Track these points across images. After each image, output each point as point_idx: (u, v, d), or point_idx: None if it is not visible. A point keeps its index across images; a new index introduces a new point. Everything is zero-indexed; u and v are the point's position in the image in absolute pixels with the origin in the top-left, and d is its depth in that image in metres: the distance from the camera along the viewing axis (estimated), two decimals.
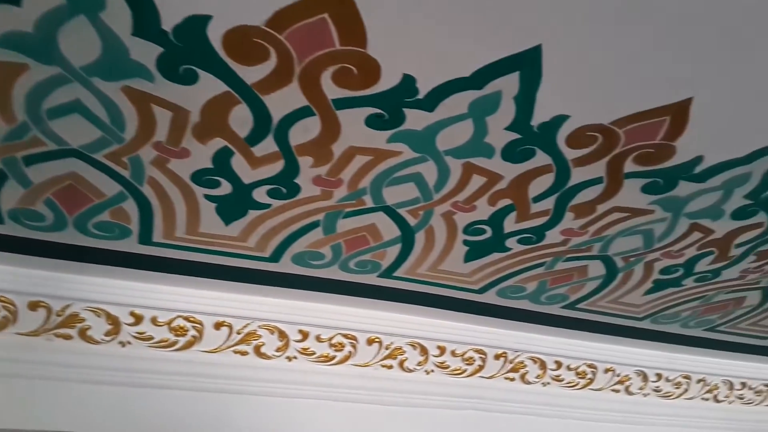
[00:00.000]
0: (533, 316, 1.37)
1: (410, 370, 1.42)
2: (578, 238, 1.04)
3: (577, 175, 0.87)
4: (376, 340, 1.36)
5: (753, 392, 1.83)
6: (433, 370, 1.45)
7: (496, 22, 0.63)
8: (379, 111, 0.75)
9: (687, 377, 1.72)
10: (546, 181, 0.89)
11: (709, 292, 1.27)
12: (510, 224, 1.00)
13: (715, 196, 0.92)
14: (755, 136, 0.80)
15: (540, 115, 0.76)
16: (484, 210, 0.97)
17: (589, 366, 1.59)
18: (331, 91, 0.72)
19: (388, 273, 1.15)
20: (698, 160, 0.84)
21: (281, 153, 0.82)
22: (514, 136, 0.79)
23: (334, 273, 1.15)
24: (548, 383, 1.57)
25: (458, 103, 0.74)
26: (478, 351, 1.47)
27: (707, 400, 1.77)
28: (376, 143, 0.81)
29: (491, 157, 0.84)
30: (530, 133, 0.79)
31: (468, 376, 1.48)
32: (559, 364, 1.56)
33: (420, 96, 0.73)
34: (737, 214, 0.97)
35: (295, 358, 1.32)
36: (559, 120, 0.76)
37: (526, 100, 0.73)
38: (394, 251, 1.08)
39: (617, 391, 1.64)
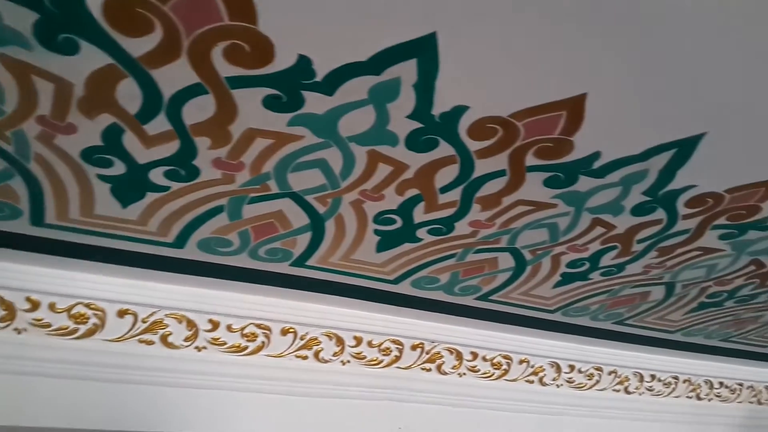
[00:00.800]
0: (448, 307, 1.38)
1: (326, 361, 1.41)
2: (486, 230, 1.05)
3: (481, 167, 0.88)
4: (291, 330, 1.35)
5: (662, 384, 1.90)
6: (349, 361, 1.45)
7: (393, 6, 0.62)
8: (276, 92, 0.73)
9: (599, 369, 1.78)
10: (451, 172, 0.89)
11: (615, 286, 1.30)
12: (419, 214, 1.00)
13: (614, 192, 0.94)
14: (651, 133, 0.82)
15: (440, 105, 0.75)
16: (392, 199, 0.96)
17: (504, 357, 1.62)
18: (224, 69, 0.69)
19: (300, 262, 1.13)
20: (596, 155, 0.85)
21: (176, 132, 0.79)
22: (417, 125, 0.79)
23: (244, 261, 1.12)
24: (464, 374, 1.59)
25: (358, 88, 0.73)
26: (394, 341, 1.48)
27: (618, 391, 1.83)
28: (277, 126, 0.79)
29: (395, 146, 0.83)
30: (432, 122, 0.78)
31: (385, 366, 1.49)
32: (474, 355, 1.59)
33: (318, 78, 0.71)
34: (636, 210, 1.00)
35: (204, 348, 1.29)
36: (459, 110, 0.76)
37: (425, 89, 0.73)
38: (304, 239, 1.07)
39: (531, 382, 1.68)
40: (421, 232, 1.06)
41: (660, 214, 1.02)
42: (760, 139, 0.84)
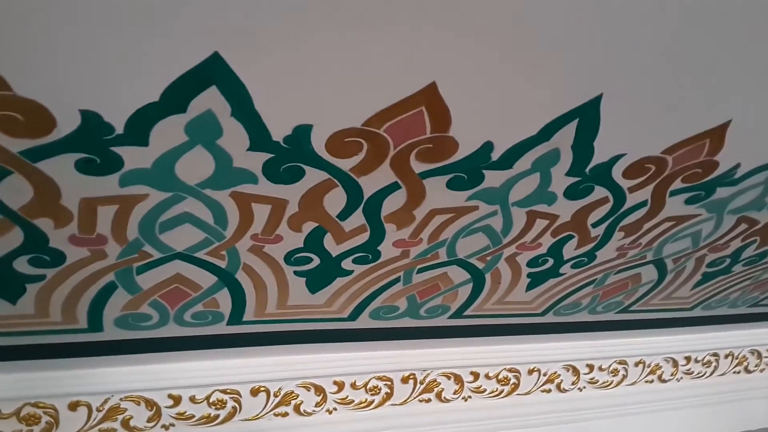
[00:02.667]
0: (424, 332, 1.27)
1: (309, 414, 1.31)
2: (415, 247, 0.94)
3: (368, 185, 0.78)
4: (262, 389, 1.26)
5: (701, 364, 1.72)
6: (336, 408, 1.34)
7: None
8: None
9: (623, 363, 1.62)
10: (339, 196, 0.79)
11: (596, 276, 1.17)
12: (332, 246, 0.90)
13: (533, 180, 0.83)
14: (538, 111, 0.71)
15: None
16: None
17: (510, 371, 1.50)
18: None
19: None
20: (488, 146, 0.74)
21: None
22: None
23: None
24: (469, 397, 1.46)
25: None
26: (381, 378, 1.36)
27: (651, 382, 1.66)
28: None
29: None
30: None
31: (376, 406, 1.38)
32: (476, 375, 1.46)
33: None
34: (571, 194, 0.87)
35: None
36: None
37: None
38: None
39: (548, 391, 1.54)
40: (347, 263, 0.96)
41: (601, 192, 0.89)
42: (677, 89, 0.71)
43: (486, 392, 1.46)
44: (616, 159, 0.81)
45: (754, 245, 1.17)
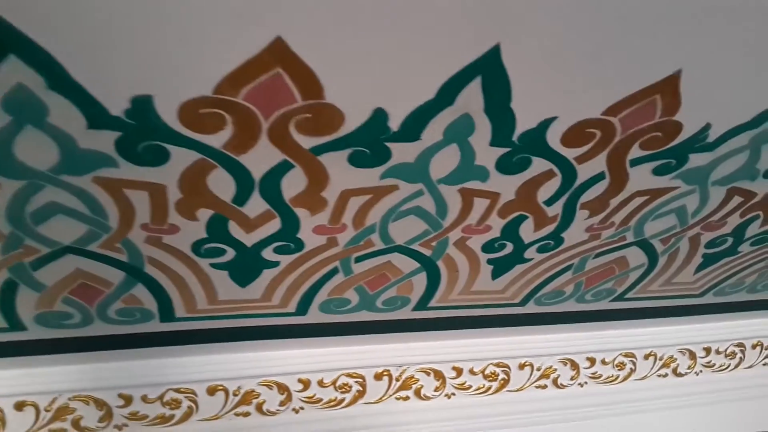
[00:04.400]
0: (390, 325, 1.17)
1: (273, 413, 1.24)
2: (341, 234, 0.84)
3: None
4: (220, 388, 1.19)
5: (724, 356, 1.55)
6: (302, 408, 1.26)
7: None
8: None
9: (629, 355, 1.47)
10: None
11: (572, 260, 1.04)
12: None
13: (452, 153, 0.71)
14: (431, 69, 0.60)
15: None
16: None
17: (498, 365, 1.37)
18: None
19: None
20: (381, 115, 0.63)
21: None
22: None
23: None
24: (453, 394, 1.35)
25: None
26: (351, 375, 1.27)
27: (665, 376, 1.51)
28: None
29: None
30: None
31: (347, 405, 1.29)
32: (458, 371, 1.35)
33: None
34: (504, 167, 0.76)
35: None
36: None
37: None
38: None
39: (543, 386, 1.41)
40: (268, 254, 0.87)
41: (542, 163, 0.76)
42: (604, 34, 0.59)
43: (471, 389, 1.34)
44: (546, 124, 0.69)
45: (757, 221, 1.02)
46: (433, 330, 1.22)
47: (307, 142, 0.66)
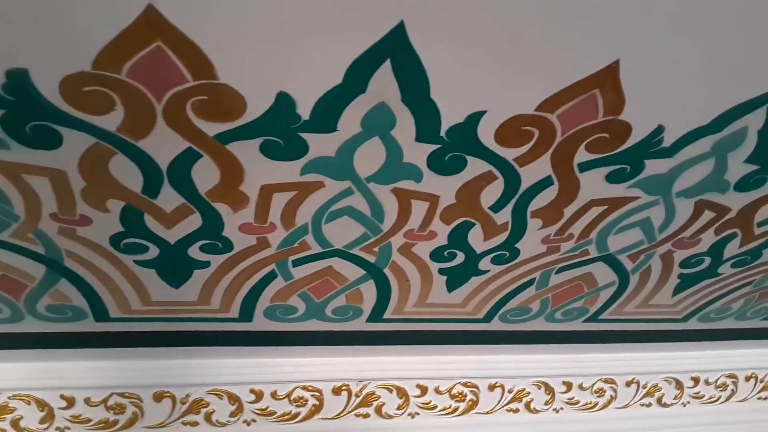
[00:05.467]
0: (344, 337, 1.11)
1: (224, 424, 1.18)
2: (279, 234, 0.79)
3: None
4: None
5: (713, 387, 1.46)
6: (254, 420, 1.20)
7: None
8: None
9: (609, 381, 1.38)
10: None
11: (532, 274, 0.97)
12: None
13: (375, 150, 0.66)
14: (338, 51, 0.54)
15: None
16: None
17: (466, 385, 1.30)
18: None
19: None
20: (287, 101, 0.58)
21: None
22: None
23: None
24: (416, 413, 1.28)
25: None
26: (306, 388, 1.21)
27: (648, 405, 1.42)
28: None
29: None
30: None
31: (302, 420, 1.23)
32: (423, 390, 1.27)
33: None
34: (438, 167, 0.70)
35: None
36: None
37: None
38: None
39: (515, 410, 1.33)
40: (196, 252, 0.82)
41: (479, 164, 0.71)
42: (527, 15, 0.53)
43: (437, 409, 1.27)
44: (475, 119, 0.63)
45: (735, 240, 0.94)
46: (395, 344, 1.16)
47: (209, 128, 0.61)
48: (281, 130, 0.62)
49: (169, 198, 0.70)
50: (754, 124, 0.69)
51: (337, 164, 0.67)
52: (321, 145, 0.64)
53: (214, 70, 0.54)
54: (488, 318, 1.09)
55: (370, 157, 0.67)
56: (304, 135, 0.63)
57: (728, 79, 0.63)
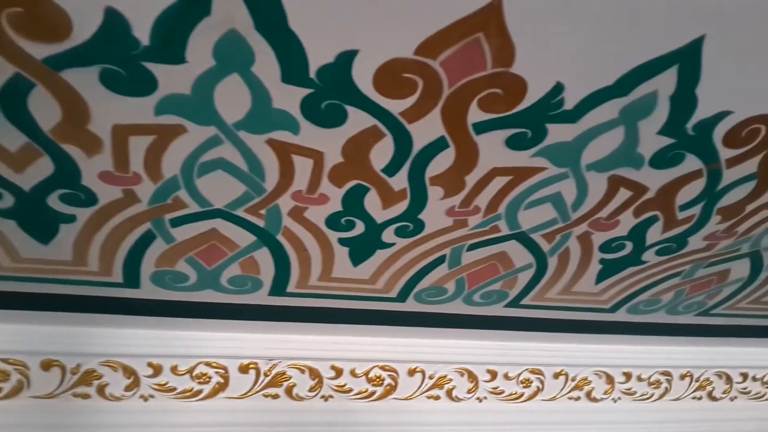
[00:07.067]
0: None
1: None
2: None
3: None
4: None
5: (646, 384, 1.41)
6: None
7: None
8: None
9: (537, 372, 1.33)
10: None
11: (442, 250, 0.90)
12: None
13: (236, 89, 0.58)
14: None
15: None
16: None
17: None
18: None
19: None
20: (118, 17, 0.50)
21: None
22: None
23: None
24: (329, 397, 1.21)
25: None
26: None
27: (576, 399, 1.36)
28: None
29: None
30: None
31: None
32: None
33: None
34: (313, 116, 0.62)
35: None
36: None
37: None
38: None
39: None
40: (55, 203, 0.73)
41: (361, 116, 0.64)
42: None
43: (352, 393, 1.20)
44: (346, 59, 0.56)
45: (657, 225, 0.88)
46: (306, 321, 1.09)
47: (36, 50, 0.53)
48: (119, 56, 0.54)
49: (10, 135, 0.62)
50: (665, 89, 0.62)
51: (195, 104, 0.59)
52: (172, 79, 0.57)
53: None
54: (402, 297, 1.03)
55: (233, 99, 0.59)
56: (148, 65, 0.55)
57: (633, 33, 0.56)
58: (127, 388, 1.10)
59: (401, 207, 0.78)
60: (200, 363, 1.12)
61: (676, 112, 0.66)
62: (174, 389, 1.12)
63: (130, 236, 0.80)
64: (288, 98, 0.60)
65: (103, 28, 0.51)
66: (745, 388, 1.47)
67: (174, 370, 1.11)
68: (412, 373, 1.23)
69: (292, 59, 0.55)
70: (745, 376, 1.46)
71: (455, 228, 0.84)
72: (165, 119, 0.61)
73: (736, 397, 1.47)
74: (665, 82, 0.62)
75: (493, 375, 1.28)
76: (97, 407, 1.09)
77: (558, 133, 0.67)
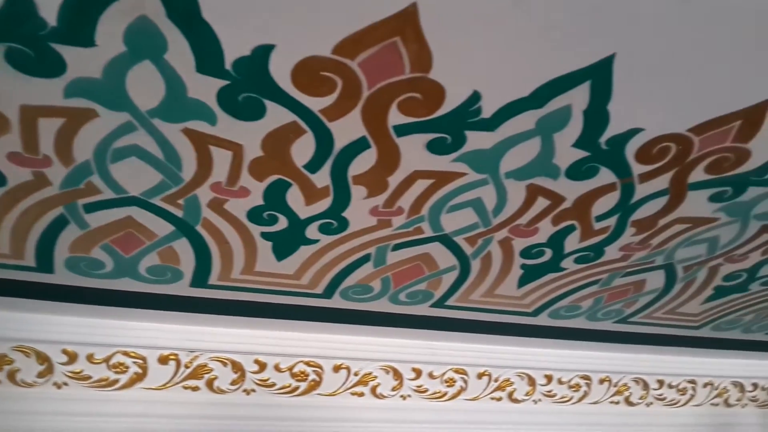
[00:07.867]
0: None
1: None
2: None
3: None
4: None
5: (566, 387, 1.45)
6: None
7: None
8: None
9: (461, 372, 1.35)
10: None
11: (367, 249, 0.91)
12: None
13: (148, 77, 0.56)
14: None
15: None
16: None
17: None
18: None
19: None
20: None
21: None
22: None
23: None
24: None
25: None
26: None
27: (498, 399, 1.40)
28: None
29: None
30: None
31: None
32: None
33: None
34: (230, 108, 0.61)
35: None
36: None
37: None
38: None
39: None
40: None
41: (280, 112, 0.64)
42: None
43: (276, 387, 1.20)
44: (262, 53, 0.55)
45: (575, 234, 0.92)
46: (229, 315, 1.08)
47: None
48: (26, 36, 0.52)
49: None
50: (579, 104, 0.64)
51: (106, 89, 0.58)
52: (81, 62, 0.55)
53: None
54: (328, 293, 1.03)
55: (146, 86, 0.58)
56: (56, 47, 0.53)
57: (546, 48, 0.58)
58: (40, 375, 1.06)
59: (324, 204, 0.78)
60: (118, 352, 1.10)
61: (589, 126, 0.68)
62: (89, 377, 1.09)
63: (41, 220, 0.77)
64: (204, 88, 0.59)
65: (7, 6, 0.49)
66: (661, 395, 1.53)
67: (90, 358, 1.08)
68: (337, 369, 1.23)
69: (206, 49, 0.54)
70: (661, 383, 1.52)
71: (379, 227, 0.84)
72: (75, 102, 0.59)
73: (652, 403, 1.53)
74: (579, 97, 0.64)
75: (418, 373, 1.29)
76: (8, 393, 1.05)
77: (477, 140, 0.68)
